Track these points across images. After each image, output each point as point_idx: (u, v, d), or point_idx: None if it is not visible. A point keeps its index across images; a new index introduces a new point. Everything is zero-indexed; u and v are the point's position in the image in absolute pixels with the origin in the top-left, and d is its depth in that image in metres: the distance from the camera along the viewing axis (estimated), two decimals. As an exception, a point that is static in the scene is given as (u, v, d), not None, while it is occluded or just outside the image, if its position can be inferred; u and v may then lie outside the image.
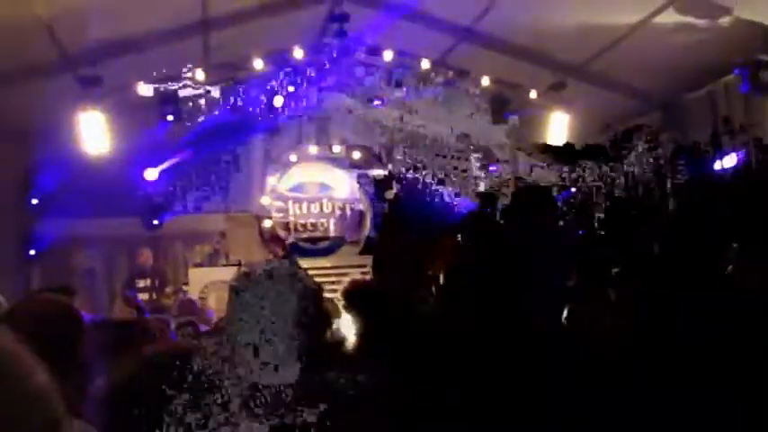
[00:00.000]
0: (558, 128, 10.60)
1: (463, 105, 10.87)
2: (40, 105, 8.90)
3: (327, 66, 10.59)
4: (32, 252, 10.70)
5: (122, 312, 9.54)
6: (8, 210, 10.36)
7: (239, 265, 10.63)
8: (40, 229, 10.80)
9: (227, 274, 10.30)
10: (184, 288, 10.53)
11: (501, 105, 10.79)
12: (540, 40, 9.33)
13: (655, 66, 9.28)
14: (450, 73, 10.51)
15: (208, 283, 10.10)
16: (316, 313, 2.08)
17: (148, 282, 10.20)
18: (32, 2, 7.33)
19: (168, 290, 10.22)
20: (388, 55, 10.20)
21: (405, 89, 10.36)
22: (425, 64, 10.31)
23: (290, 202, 12.67)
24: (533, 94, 10.62)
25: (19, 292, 9.71)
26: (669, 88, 9.93)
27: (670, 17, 8.39)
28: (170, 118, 9.81)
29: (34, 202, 10.86)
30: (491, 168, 11.64)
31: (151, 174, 11.20)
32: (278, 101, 10.51)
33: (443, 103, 10.77)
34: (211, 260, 11.14)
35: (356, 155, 12.70)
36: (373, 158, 12.72)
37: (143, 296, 9.94)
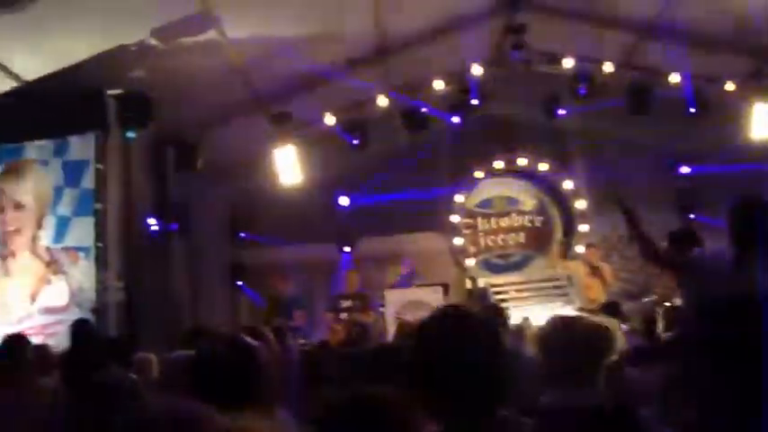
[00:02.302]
0: (761, 120, 9.77)
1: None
2: (238, 144, 9.57)
3: (508, 78, 10.50)
4: (239, 282, 11.44)
5: (327, 334, 9.91)
6: (218, 243, 11.17)
7: (433, 285, 10.73)
8: (245, 259, 11.54)
9: (420, 294, 10.44)
10: (381, 309, 10.78)
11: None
12: (731, 25, 8.65)
13: None
14: (636, 74, 10.01)
15: (404, 304, 10.28)
16: None
17: (350, 302, 10.57)
18: (225, 52, 7.91)
19: (368, 308, 10.50)
20: (568, 62, 9.92)
21: (587, 94, 9.98)
22: (608, 67, 9.91)
23: (479, 219, 12.65)
24: (730, 86, 9.84)
25: (229, 322, 10.45)
26: None
27: None
28: (356, 143, 10.17)
29: (241, 234, 11.62)
30: None
31: (343, 200, 11.63)
32: (458, 118, 10.55)
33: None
34: (405, 281, 11.30)
35: (542, 166, 12.46)
36: (559, 169, 12.41)
37: (343, 315, 10.30)
